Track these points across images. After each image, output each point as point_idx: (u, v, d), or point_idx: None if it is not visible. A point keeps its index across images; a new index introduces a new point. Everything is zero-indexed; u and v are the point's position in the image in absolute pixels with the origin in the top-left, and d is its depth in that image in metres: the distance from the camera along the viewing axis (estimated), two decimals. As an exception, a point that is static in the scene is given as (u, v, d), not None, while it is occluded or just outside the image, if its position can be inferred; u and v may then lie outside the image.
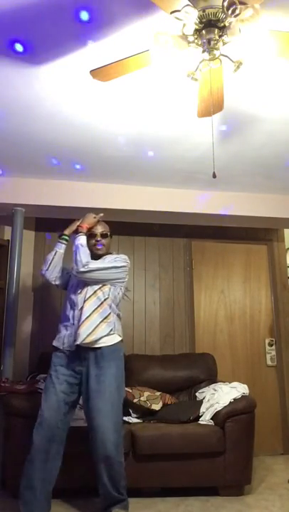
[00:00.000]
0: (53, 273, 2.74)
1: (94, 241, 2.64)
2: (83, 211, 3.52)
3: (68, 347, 2.48)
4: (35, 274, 3.92)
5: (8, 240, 3.60)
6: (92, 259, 2.56)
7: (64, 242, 2.75)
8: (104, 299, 2.51)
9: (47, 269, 2.74)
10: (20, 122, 2.65)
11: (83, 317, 2.45)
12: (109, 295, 2.54)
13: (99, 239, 2.65)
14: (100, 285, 2.53)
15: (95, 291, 2.52)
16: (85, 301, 2.49)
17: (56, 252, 2.73)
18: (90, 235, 2.66)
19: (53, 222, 3.88)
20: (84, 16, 1.81)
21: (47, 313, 3.86)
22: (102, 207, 3.54)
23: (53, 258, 2.72)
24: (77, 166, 3.28)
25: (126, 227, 4.10)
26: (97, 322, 2.44)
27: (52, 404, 2.39)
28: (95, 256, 2.62)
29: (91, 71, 1.90)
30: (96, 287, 2.53)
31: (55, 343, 2.55)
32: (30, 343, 3.76)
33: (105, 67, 1.87)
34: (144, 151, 3.05)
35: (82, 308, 2.48)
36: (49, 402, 2.40)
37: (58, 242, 2.74)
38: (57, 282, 2.77)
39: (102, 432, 2.31)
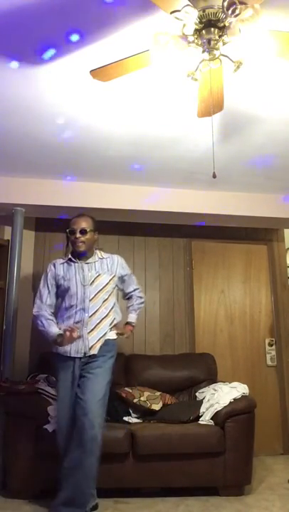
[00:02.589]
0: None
1: (73, 238, 2.60)
2: (83, 211, 3.53)
3: None
4: (35, 274, 3.91)
5: (8, 240, 3.60)
6: (76, 255, 2.61)
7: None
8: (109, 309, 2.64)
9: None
10: (20, 122, 2.65)
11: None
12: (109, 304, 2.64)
13: (78, 236, 2.58)
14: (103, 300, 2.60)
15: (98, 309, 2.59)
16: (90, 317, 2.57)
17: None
18: (70, 232, 2.61)
19: (53, 222, 3.88)
20: (84, 15, 1.81)
21: (47, 313, 3.85)
22: (102, 207, 3.54)
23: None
24: (77, 166, 3.28)
25: (126, 227, 4.10)
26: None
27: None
28: (76, 253, 2.61)
29: (91, 71, 1.90)
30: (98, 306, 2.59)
31: None
32: (30, 343, 3.76)
33: (105, 67, 1.87)
34: (144, 151, 3.05)
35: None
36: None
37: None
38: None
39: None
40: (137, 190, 3.64)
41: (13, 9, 1.78)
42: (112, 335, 2.61)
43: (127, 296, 2.90)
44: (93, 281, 2.59)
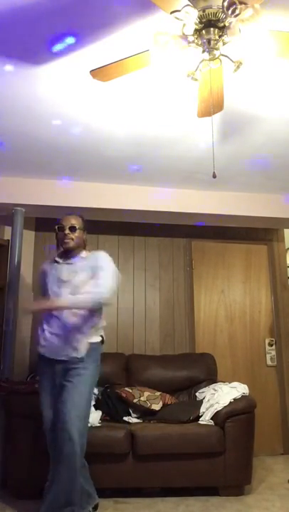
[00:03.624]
0: None
1: (62, 234, 2.53)
2: (83, 211, 3.53)
3: None
4: (35, 274, 3.91)
5: (8, 240, 3.60)
6: (62, 252, 2.55)
7: None
8: None
9: None
10: (20, 122, 2.65)
11: None
12: None
13: (67, 232, 2.51)
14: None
15: None
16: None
17: None
18: (59, 228, 2.55)
19: (52, 222, 3.87)
20: (84, 15, 1.81)
21: (47, 313, 3.86)
22: (101, 207, 3.54)
23: None
24: (77, 166, 3.28)
25: (126, 227, 4.10)
26: None
27: None
28: (65, 250, 2.55)
29: (91, 71, 1.90)
30: None
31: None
32: (30, 343, 3.76)
33: (105, 67, 1.87)
34: (144, 151, 3.05)
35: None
36: None
37: None
38: None
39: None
40: (137, 190, 3.64)
41: (13, 9, 1.78)
42: (95, 338, 2.46)
43: None
44: (71, 280, 2.47)
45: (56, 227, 2.56)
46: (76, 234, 2.53)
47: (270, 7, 1.75)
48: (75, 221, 2.56)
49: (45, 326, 2.48)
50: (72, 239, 2.52)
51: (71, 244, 2.52)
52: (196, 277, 4.22)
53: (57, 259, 2.60)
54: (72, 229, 2.53)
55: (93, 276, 2.44)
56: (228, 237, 4.33)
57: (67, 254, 2.57)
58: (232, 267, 4.32)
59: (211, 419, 2.96)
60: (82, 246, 2.60)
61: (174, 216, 3.80)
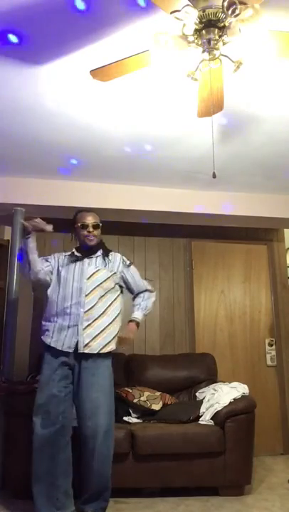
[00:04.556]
0: (37, 272, 2.66)
1: (86, 232, 2.57)
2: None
3: None
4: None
5: (8, 240, 3.60)
6: (83, 250, 2.60)
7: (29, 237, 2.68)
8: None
9: (30, 270, 2.65)
10: (20, 122, 2.65)
11: None
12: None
13: (91, 230, 2.57)
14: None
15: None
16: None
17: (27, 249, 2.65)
18: (82, 226, 2.57)
19: (52, 223, 3.87)
20: (84, 15, 1.81)
21: (47, 313, 3.85)
22: (102, 207, 3.53)
23: (28, 256, 2.65)
24: (77, 166, 3.28)
25: (126, 227, 4.10)
26: None
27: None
28: (87, 247, 2.59)
29: (91, 71, 1.90)
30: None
31: None
32: (30, 343, 3.75)
33: (105, 67, 1.87)
34: (144, 151, 3.05)
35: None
36: None
37: (25, 239, 2.68)
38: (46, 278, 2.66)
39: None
40: (137, 190, 3.64)
41: (13, 9, 1.78)
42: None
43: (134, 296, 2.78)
44: (91, 276, 2.53)
45: (79, 224, 2.59)
46: (98, 230, 2.61)
47: (270, 7, 1.75)
48: (96, 219, 2.62)
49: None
50: (96, 236, 2.59)
51: (94, 241, 2.59)
52: (196, 277, 4.22)
53: (75, 252, 2.63)
54: (96, 227, 2.60)
55: (126, 282, 2.66)
56: (228, 237, 4.33)
57: (87, 251, 2.60)
58: (232, 267, 4.32)
59: (211, 419, 2.95)
60: (99, 244, 2.66)
61: (174, 216, 3.80)
